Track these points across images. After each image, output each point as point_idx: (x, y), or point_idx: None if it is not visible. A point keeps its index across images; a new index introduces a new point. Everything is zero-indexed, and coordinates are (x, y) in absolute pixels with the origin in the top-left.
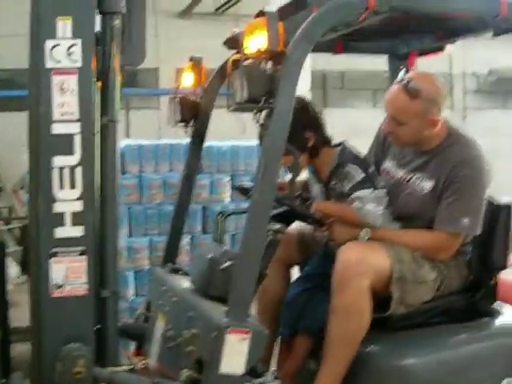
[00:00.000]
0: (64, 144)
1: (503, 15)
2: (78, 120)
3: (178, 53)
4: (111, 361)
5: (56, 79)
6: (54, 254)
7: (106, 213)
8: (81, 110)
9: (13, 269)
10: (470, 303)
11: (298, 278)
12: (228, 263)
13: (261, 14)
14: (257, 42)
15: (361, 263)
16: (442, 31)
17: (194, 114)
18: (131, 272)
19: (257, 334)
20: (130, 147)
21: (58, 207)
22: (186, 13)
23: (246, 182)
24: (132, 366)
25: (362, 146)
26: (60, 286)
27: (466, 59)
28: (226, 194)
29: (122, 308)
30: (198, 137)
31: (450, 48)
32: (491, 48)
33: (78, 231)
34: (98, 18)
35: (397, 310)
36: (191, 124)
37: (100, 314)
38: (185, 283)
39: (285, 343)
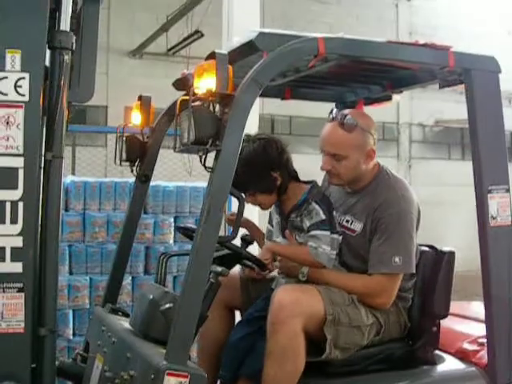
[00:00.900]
0: (7, 178)
1: (450, 67)
2: (22, 154)
3: (128, 91)
4: None
5: (2, 112)
6: None
7: (47, 250)
8: (26, 144)
9: None
10: (410, 351)
11: (241, 321)
12: (168, 305)
13: (211, 55)
14: (206, 83)
15: (294, 305)
16: (390, 81)
17: (140, 154)
18: (71, 310)
19: (195, 378)
20: (75, 184)
21: None
22: (137, 52)
23: (189, 224)
24: None
25: None
26: None
27: (412, 110)
28: (170, 235)
29: (60, 347)
30: (144, 176)
31: (396, 98)
32: (437, 99)
33: (16, 267)
34: (47, 53)
35: (332, 354)
36: (137, 163)
37: (37, 353)
38: (124, 324)
39: None
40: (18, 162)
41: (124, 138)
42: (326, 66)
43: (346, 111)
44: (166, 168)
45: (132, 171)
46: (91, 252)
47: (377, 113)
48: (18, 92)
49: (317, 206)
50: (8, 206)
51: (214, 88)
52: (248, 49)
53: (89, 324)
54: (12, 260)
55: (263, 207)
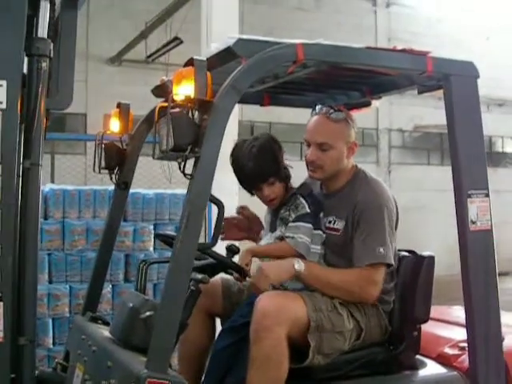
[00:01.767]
0: None
1: (429, 72)
2: None
3: (107, 99)
4: None
5: None
6: None
7: (26, 258)
8: (3, 151)
9: None
10: (392, 355)
11: (226, 329)
12: (148, 313)
13: (190, 62)
14: (184, 90)
15: (279, 312)
16: (368, 86)
17: (119, 161)
18: (50, 319)
19: None
20: (54, 192)
21: None
22: (116, 59)
23: (169, 231)
24: None
25: None
26: None
27: (392, 115)
28: (150, 243)
29: (40, 356)
30: (123, 184)
31: (375, 104)
32: (417, 105)
33: None
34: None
35: (314, 360)
36: (116, 171)
37: (16, 362)
38: (105, 332)
39: None
40: None
41: (103, 146)
42: (304, 72)
43: (330, 106)
44: (145, 175)
45: (111, 179)
46: (71, 260)
47: (356, 119)
48: None
49: (303, 200)
50: None
51: (193, 94)
52: (226, 55)
53: (69, 333)
54: None
55: (275, 201)
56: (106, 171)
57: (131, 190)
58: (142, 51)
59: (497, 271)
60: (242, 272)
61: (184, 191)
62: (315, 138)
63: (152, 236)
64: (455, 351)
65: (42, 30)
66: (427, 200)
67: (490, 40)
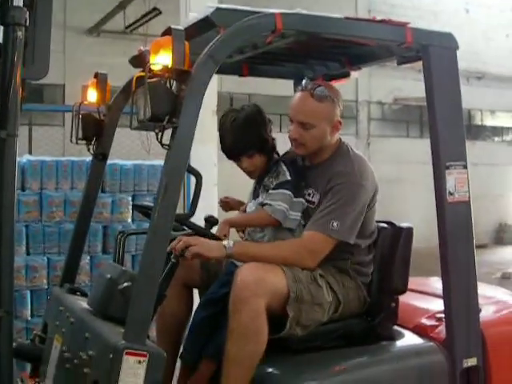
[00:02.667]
0: None
1: (408, 43)
2: None
3: (85, 70)
4: (5, 383)
5: None
6: None
7: (2, 230)
8: None
9: None
10: (369, 326)
11: (204, 301)
12: (126, 284)
13: (168, 31)
14: (162, 59)
15: (258, 284)
16: (348, 57)
17: (96, 132)
18: (29, 291)
19: (155, 357)
20: (31, 163)
21: None
22: (94, 30)
23: (147, 202)
24: None
25: None
26: None
27: (371, 87)
28: (128, 214)
29: (18, 328)
30: (101, 155)
31: (355, 75)
32: (396, 77)
33: None
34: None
35: (292, 331)
36: (94, 142)
37: None
38: (83, 304)
39: (186, 367)
40: None
41: (80, 117)
42: (283, 42)
43: (317, 82)
44: (124, 147)
45: (89, 150)
46: (48, 232)
47: None
48: None
49: (285, 168)
50: None
51: (171, 64)
52: (205, 25)
53: (47, 304)
54: None
55: (255, 173)
56: (84, 142)
57: (109, 161)
58: (120, 22)
59: (474, 243)
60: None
61: (162, 162)
62: (297, 116)
63: (130, 207)
64: (432, 322)
65: None
66: (406, 172)
67: (469, 13)
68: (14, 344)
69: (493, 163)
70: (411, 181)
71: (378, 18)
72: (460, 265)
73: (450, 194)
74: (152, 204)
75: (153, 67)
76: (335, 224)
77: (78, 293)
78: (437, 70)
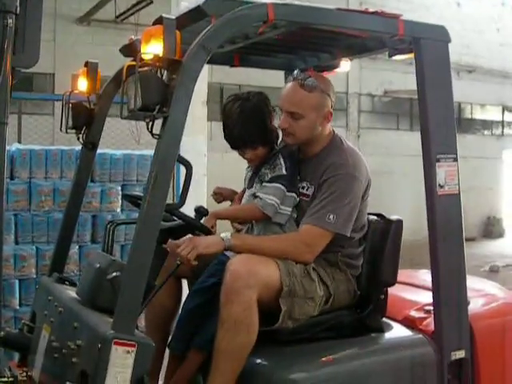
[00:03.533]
0: None
1: (400, 35)
2: None
3: (76, 59)
4: None
5: None
6: None
7: None
8: None
9: None
10: (358, 318)
11: (194, 290)
12: (115, 273)
13: (159, 20)
14: (153, 49)
15: (250, 275)
16: (339, 49)
17: (86, 121)
18: (17, 280)
19: (143, 347)
20: (20, 152)
21: None
22: (85, 19)
23: (136, 192)
24: (13, 378)
25: None
26: None
27: (362, 80)
28: (117, 204)
29: (6, 317)
30: (90, 144)
31: (346, 66)
32: (387, 70)
33: None
34: None
35: (284, 324)
36: (83, 131)
37: None
38: (71, 293)
39: (175, 357)
40: None
41: (70, 105)
42: (275, 32)
43: (308, 73)
44: (113, 136)
45: (78, 139)
46: (37, 221)
47: None
48: None
49: (282, 161)
50: None
51: (162, 53)
52: (196, 14)
53: (35, 294)
54: None
55: (255, 162)
56: (74, 131)
57: (99, 151)
58: (111, 11)
59: (464, 236)
60: (209, 234)
61: (152, 152)
62: (286, 106)
63: (119, 197)
64: (421, 314)
65: None
66: (395, 165)
67: (460, 6)
68: (2, 333)
69: (482, 156)
70: (400, 173)
71: (370, 9)
72: (449, 257)
73: (440, 186)
74: (142, 194)
75: (144, 56)
76: (331, 217)
77: (67, 282)
78: (428, 62)
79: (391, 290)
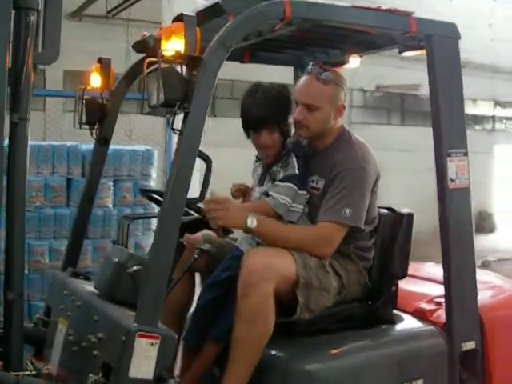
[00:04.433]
0: None
1: (412, 32)
2: None
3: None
4: (16, 365)
5: None
6: None
7: (14, 213)
8: None
9: None
10: (370, 310)
11: (208, 284)
12: (136, 267)
13: (179, 18)
14: (174, 45)
15: (267, 268)
16: (350, 45)
17: (99, 117)
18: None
19: (166, 339)
20: None
21: None
22: (76, 14)
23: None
24: (37, 371)
25: (250, 155)
26: None
27: (354, 75)
28: (109, 199)
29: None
30: (103, 139)
31: (355, 62)
32: (378, 65)
33: None
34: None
35: (301, 316)
36: (96, 126)
37: (4, 317)
38: (88, 287)
39: (190, 350)
40: None
41: (83, 102)
42: (289, 29)
43: (322, 67)
44: None
45: (91, 134)
46: (28, 216)
47: None
48: None
49: (294, 160)
50: None
51: (183, 50)
52: (214, 11)
53: (49, 288)
54: None
55: (268, 151)
56: (87, 127)
57: (90, 146)
58: (102, 6)
59: (473, 229)
60: (224, 228)
61: (143, 147)
62: (303, 98)
63: (111, 192)
64: (431, 306)
65: None
66: (387, 160)
67: (452, 1)
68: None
69: (473, 151)
70: (392, 168)
71: (364, 5)
72: (460, 250)
73: (452, 180)
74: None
75: (165, 53)
76: (347, 211)
77: (82, 276)
78: (439, 59)
79: (400, 283)
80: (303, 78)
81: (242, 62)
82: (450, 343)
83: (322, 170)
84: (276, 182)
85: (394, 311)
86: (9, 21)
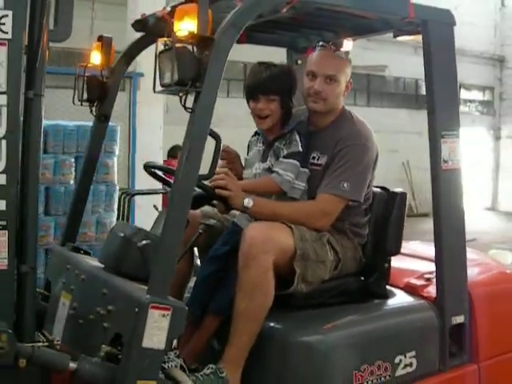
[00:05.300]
0: None
1: (410, 17)
2: (5, 92)
3: None
4: (28, 337)
5: None
6: None
7: (28, 188)
8: (9, 82)
9: None
10: (365, 285)
11: (208, 258)
12: (145, 241)
13: None
14: (187, 26)
15: (266, 241)
16: (345, 29)
17: (100, 94)
18: None
19: (177, 311)
20: None
21: None
22: None
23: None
24: (49, 342)
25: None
26: None
27: None
28: (71, 175)
29: None
30: (103, 116)
31: (348, 45)
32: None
33: (0, 205)
34: None
35: (298, 287)
36: (96, 104)
37: (17, 290)
38: (91, 261)
39: (190, 322)
40: (1, 100)
41: (85, 79)
42: (292, 12)
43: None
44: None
45: (91, 111)
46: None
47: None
48: (1, 29)
49: (298, 138)
50: None
51: (196, 31)
52: None
53: (49, 263)
54: None
55: (265, 120)
56: (87, 104)
57: (52, 122)
58: None
59: (464, 208)
60: (228, 204)
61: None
62: (324, 69)
63: (73, 169)
64: (422, 282)
65: None
66: None
67: None
68: None
69: None
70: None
71: None
72: (452, 228)
73: (445, 161)
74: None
75: (177, 33)
76: (346, 185)
77: (82, 251)
78: (435, 44)
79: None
80: (319, 53)
81: (238, 42)
82: (441, 317)
83: (325, 147)
84: (280, 159)
85: (387, 286)
86: None
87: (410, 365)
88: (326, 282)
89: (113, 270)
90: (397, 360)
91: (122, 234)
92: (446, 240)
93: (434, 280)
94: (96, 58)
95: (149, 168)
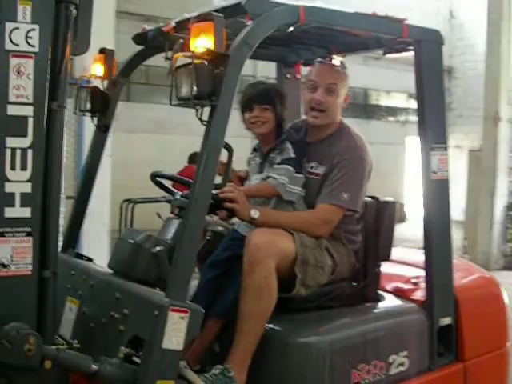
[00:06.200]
0: (17, 126)
1: (404, 37)
2: (31, 103)
3: None
4: (49, 340)
5: (14, 62)
6: (2, 234)
7: (51, 195)
8: (35, 93)
9: None
10: (357, 289)
11: (209, 263)
12: (159, 248)
13: (207, 17)
14: (203, 43)
15: (270, 246)
16: (336, 45)
17: (103, 105)
18: None
19: (194, 313)
20: None
21: (8, 187)
22: None
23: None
24: (69, 344)
25: (168, 141)
26: (6, 266)
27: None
28: None
29: None
30: (104, 127)
31: (337, 62)
32: None
33: (25, 212)
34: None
35: (299, 291)
36: (97, 114)
37: (40, 295)
38: (98, 268)
39: None
40: (28, 111)
41: (88, 90)
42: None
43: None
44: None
45: (93, 121)
46: None
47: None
48: (28, 43)
49: (289, 145)
50: (18, 153)
51: (212, 47)
52: (233, 11)
53: None
54: (21, 205)
55: (259, 129)
56: (89, 114)
57: None
58: None
59: (451, 216)
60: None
61: None
62: (326, 79)
63: None
64: (409, 286)
65: None
66: None
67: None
68: None
69: (386, 142)
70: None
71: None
72: (440, 236)
73: (434, 172)
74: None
75: (195, 50)
76: (345, 195)
77: (84, 258)
78: (426, 62)
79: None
80: (320, 65)
81: None
82: (430, 319)
83: (323, 157)
84: (275, 166)
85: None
86: (52, 13)
87: (403, 364)
88: (323, 286)
89: (123, 275)
90: (390, 359)
91: (133, 241)
92: (435, 246)
93: (421, 284)
94: (98, 69)
95: (154, 178)
